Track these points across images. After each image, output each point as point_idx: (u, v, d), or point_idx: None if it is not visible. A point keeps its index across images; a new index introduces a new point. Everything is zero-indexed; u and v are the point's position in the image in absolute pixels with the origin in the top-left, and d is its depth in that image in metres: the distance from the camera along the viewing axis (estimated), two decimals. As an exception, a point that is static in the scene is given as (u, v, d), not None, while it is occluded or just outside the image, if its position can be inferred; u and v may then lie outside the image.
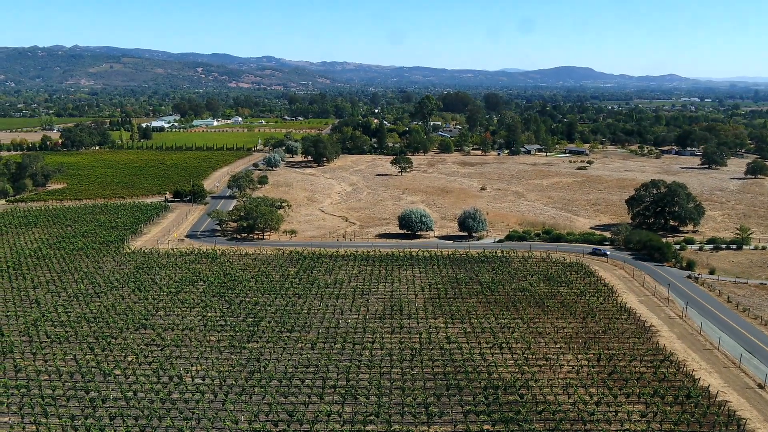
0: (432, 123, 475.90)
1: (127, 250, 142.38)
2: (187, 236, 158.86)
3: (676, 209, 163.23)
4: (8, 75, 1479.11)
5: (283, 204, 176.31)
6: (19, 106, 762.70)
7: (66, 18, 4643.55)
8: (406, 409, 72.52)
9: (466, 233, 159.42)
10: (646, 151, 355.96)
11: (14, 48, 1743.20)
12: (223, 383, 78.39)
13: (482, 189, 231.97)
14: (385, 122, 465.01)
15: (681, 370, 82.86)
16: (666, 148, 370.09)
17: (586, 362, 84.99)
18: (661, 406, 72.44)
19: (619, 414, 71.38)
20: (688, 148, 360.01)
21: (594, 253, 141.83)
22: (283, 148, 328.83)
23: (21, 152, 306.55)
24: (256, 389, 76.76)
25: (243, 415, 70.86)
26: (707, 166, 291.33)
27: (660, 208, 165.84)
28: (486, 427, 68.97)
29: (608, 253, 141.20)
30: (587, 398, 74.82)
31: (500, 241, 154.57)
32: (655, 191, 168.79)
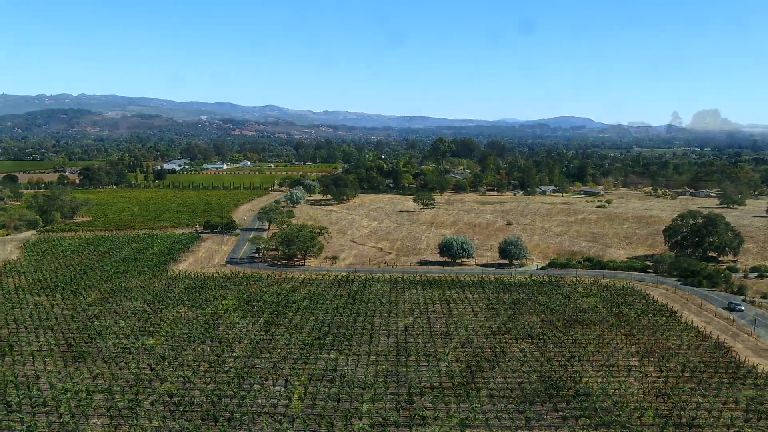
0: (442, 167, 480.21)
1: (172, 273, 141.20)
2: (227, 262, 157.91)
3: (716, 239, 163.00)
4: (15, 122, 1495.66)
5: (323, 231, 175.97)
6: (27, 150, 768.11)
7: (73, 67, 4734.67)
8: (500, 413, 70.69)
9: (506, 261, 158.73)
10: (660, 193, 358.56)
11: (21, 96, 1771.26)
12: (306, 390, 76.53)
13: (508, 224, 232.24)
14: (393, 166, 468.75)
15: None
16: (679, 189, 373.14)
17: (670, 372, 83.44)
18: (763, 411, 70.78)
19: (721, 420, 69.67)
20: (702, 190, 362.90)
21: (730, 307, 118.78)
22: (302, 186, 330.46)
23: (46, 190, 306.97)
24: (341, 395, 74.94)
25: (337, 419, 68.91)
26: (725, 206, 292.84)
27: (698, 238, 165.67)
28: (591, 431, 67.13)
29: (743, 308, 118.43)
30: (684, 404, 73.13)
31: (543, 268, 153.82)
32: (692, 221, 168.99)
